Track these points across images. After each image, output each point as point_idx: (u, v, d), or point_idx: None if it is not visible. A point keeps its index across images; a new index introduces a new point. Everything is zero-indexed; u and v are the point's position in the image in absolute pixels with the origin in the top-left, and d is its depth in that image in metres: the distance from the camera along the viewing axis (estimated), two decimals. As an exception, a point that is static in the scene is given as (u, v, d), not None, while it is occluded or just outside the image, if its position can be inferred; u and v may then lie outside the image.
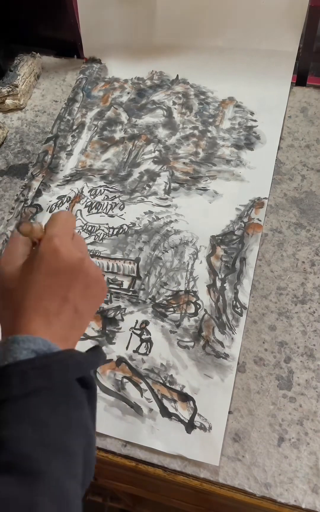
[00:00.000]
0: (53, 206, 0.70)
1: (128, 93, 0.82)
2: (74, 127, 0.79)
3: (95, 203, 0.70)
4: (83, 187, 0.71)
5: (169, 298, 0.61)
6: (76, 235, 0.43)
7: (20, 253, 0.41)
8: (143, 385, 0.55)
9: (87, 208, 0.69)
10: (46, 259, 0.39)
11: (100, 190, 0.71)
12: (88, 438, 0.36)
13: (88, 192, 0.71)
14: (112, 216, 0.68)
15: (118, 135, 0.77)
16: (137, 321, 0.59)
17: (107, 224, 0.67)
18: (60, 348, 0.37)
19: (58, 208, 0.70)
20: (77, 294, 0.39)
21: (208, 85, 0.81)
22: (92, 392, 0.38)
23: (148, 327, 0.59)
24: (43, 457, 0.32)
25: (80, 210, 0.69)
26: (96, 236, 0.66)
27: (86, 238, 0.66)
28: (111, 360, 0.57)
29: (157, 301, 0.61)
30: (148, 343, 0.58)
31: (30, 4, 0.83)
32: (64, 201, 0.70)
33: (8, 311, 0.39)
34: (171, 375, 0.56)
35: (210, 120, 0.77)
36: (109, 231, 0.67)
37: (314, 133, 0.74)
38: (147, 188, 0.70)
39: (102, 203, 0.70)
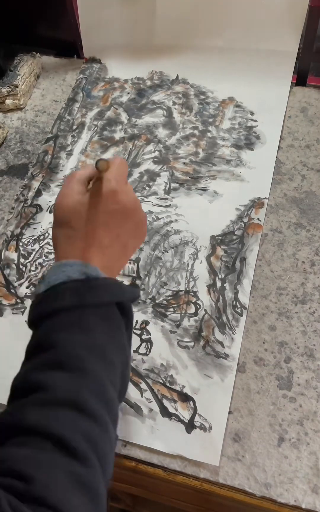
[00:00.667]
0: (53, 206, 0.70)
1: (128, 93, 0.82)
2: (74, 127, 0.79)
3: (95, 203, 0.70)
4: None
5: (169, 298, 0.61)
6: (128, 183, 0.46)
7: (76, 190, 0.44)
8: (143, 385, 0.55)
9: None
10: (105, 198, 0.43)
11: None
12: (125, 357, 0.41)
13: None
14: (112, 216, 0.68)
15: (118, 135, 0.77)
16: (137, 321, 0.59)
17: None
18: (106, 275, 0.42)
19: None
20: (127, 232, 0.45)
21: (208, 85, 0.81)
22: (129, 321, 0.43)
23: (148, 327, 0.59)
24: (89, 359, 0.37)
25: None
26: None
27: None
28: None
29: (157, 301, 0.61)
30: (148, 343, 0.58)
31: (30, 4, 0.83)
32: (64, 201, 0.70)
33: (65, 239, 0.43)
34: (171, 375, 0.56)
35: (210, 120, 0.77)
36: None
37: (314, 133, 0.74)
38: (147, 188, 0.70)
39: (102, 203, 0.69)
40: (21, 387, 0.37)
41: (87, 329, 0.39)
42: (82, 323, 0.39)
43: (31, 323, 0.41)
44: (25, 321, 0.60)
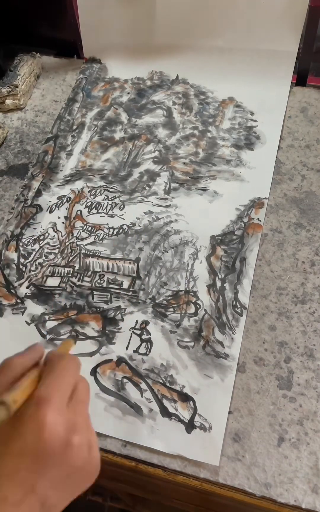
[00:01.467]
0: (53, 206, 0.70)
1: (128, 93, 0.82)
2: (74, 127, 0.79)
3: (95, 203, 0.70)
4: (83, 187, 0.71)
5: (169, 298, 0.61)
6: (78, 389, 0.34)
7: None
8: (143, 385, 0.55)
9: (87, 208, 0.69)
10: (23, 433, 0.31)
11: (100, 190, 0.71)
12: None
13: (88, 192, 0.71)
14: (112, 216, 0.68)
15: (118, 135, 0.77)
16: (137, 321, 0.59)
17: (107, 224, 0.67)
18: None
19: (58, 209, 0.70)
20: (50, 485, 0.31)
21: (208, 85, 0.81)
22: None
23: (148, 327, 0.59)
24: None
25: (80, 210, 0.69)
26: (96, 237, 0.66)
27: (86, 238, 0.66)
28: (111, 360, 0.57)
29: (157, 301, 0.61)
30: (148, 343, 0.58)
31: (30, 4, 0.82)
32: (64, 201, 0.70)
33: None
34: (171, 375, 0.56)
35: (210, 120, 0.77)
36: (109, 231, 0.67)
37: (314, 133, 0.74)
38: (147, 188, 0.70)
39: (102, 203, 0.70)
40: None
41: None
42: None
43: None
44: (26, 321, 0.61)
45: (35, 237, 0.67)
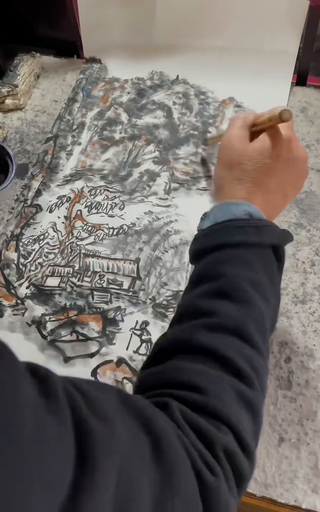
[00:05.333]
0: (53, 206, 0.70)
1: (128, 93, 0.82)
2: (74, 127, 0.79)
3: (95, 203, 0.70)
4: (83, 187, 0.71)
5: (169, 298, 0.61)
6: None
7: (244, 134, 0.47)
8: (143, 386, 0.55)
9: (87, 208, 0.69)
10: (280, 145, 0.45)
11: (100, 190, 0.71)
12: (278, 300, 0.44)
13: (88, 192, 0.71)
14: (112, 216, 0.68)
15: (118, 135, 0.77)
16: (137, 322, 0.59)
17: (107, 224, 0.67)
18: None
19: (58, 208, 0.70)
20: (291, 182, 0.47)
21: (208, 85, 0.81)
22: (282, 264, 0.44)
23: (148, 328, 0.59)
24: (253, 293, 0.40)
25: (80, 210, 0.69)
26: (96, 237, 0.66)
27: (86, 238, 0.66)
28: (111, 361, 0.57)
29: (157, 302, 0.61)
30: (149, 344, 0.58)
31: (30, 4, 0.82)
32: (64, 201, 0.70)
33: (233, 179, 0.46)
34: (171, 375, 0.56)
35: (210, 120, 0.77)
36: (109, 231, 0.67)
37: (314, 133, 0.74)
38: (147, 188, 0.70)
39: (102, 203, 0.70)
40: (188, 312, 0.40)
41: (250, 266, 0.41)
42: (246, 259, 0.41)
43: (195, 254, 0.45)
44: (27, 323, 0.60)
45: (35, 237, 0.67)
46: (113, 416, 0.28)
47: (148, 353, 0.57)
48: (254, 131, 0.48)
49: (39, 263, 0.65)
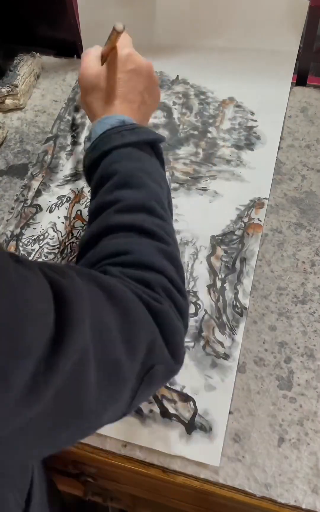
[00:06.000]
0: (53, 206, 0.70)
1: (128, 93, 0.81)
2: (74, 127, 0.79)
3: (95, 203, 0.70)
4: (83, 187, 0.71)
5: (169, 298, 0.61)
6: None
7: (95, 62, 0.53)
8: (143, 386, 0.55)
9: (87, 208, 0.69)
10: (123, 60, 0.51)
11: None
12: (168, 186, 0.50)
13: (88, 192, 0.71)
14: (112, 216, 0.68)
15: (118, 135, 0.77)
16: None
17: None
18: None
19: (58, 208, 0.70)
20: (146, 90, 0.53)
21: (208, 85, 0.81)
22: (163, 162, 0.51)
23: (148, 328, 0.59)
24: (147, 179, 0.46)
25: (80, 210, 0.69)
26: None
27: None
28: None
29: (157, 301, 0.60)
30: (148, 344, 0.58)
31: (30, 4, 0.82)
32: (64, 201, 0.70)
33: (99, 102, 0.52)
34: (171, 375, 0.56)
35: (210, 120, 0.77)
36: (109, 231, 0.67)
37: (314, 133, 0.74)
38: (147, 188, 0.70)
39: (102, 203, 0.69)
40: (97, 208, 0.46)
41: (136, 159, 0.47)
42: (132, 155, 0.47)
43: (89, 167, 0.50)
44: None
45: (35, 237, 0.67)
46: (72, 275, 0.35)
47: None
48: (106, 57, 0.53)
49: (39, 263, 0.65)
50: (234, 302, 0.59)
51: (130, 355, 0.36)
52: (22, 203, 0.71)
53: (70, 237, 0.67)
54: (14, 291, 0.28)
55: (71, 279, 0.34)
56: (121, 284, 0.39)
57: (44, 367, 0.28)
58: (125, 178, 0.46)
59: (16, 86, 0.80)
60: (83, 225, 0.68)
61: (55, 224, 0.68)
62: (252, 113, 0.76)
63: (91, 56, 0.53)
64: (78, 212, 0.69)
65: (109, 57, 0.52)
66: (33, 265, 0.32)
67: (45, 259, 0.65)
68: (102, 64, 0.52)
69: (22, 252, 0.66)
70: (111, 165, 0.47)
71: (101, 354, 0.33)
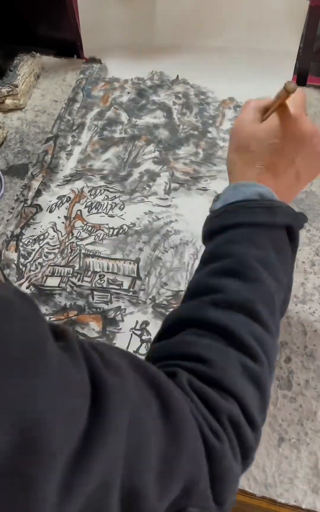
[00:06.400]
0: (53, 206, 0.70)
1: (128, 93, 0.82)
2: (74, 127, 0.79)
3: (95, 203, 0.70)
4: (83, 187, 0.71)
5: (169, 298, 0.61)
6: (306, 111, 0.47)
7: (253, 117, 0.46)
8: (143, 385, 0.55)
9: (87, 208, 0.69)
10: (287, 124, 0.44)
11: (100, 190, 0.71)
12: (291, 281, 0.44)
13: (88, 192, 0.71)
14: (112, 216, 0.68)
15: (118, 135, 0.77)
16: (137, 322, 0.59)
17: (107, 224, 0.67)
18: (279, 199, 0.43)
19: (58, 208, 0.70)
20: (303, 161, 0.44)
21: (208, 85, 0.81)
22: (296, 246, 0.44)
23: (148, 328, 0.59)
24: (262, 271, 0.40)
25: (80, 210, 0.69)
26: (96, 237, 0.66)
27: (86, 238, 0.66)
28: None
29: (157, 302, 0.61)
30: (149, 344, 0.58)
31: (30, 4, 0.82)
32: (64, 201, 0.70)
33: (242, 163, 0.45)
34: (171, 375, 0.56)
35: (210, 121, 0.77)
36: (109, 231, 0.67)
37: (314, 133, 0.74)
38: (147, 188, 0.70)
39: (102, 203, 0.70)
40: (197, 290, 0.41)
41: (260, 245, 0.41)
42: (256, 239, 0.41)
43: (206, 235, 0.45)
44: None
45: (35, 237, 0.67)
46: (125, 372, 0.29)
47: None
48: (268, 116, 0.48)
49: (39, 263, 0.65)
50: (234, 302, 0.59)
51: (160, 491, 0.29)
52: (22, 203, 0.71)
53: (70, 237, 0.67)
54: (53, 380, 0.24)
55: (121, 378, 0.28)
56: (184, 402, 0.32)
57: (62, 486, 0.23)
58: (238, 266, 0.40)
59: (16, 86, 0.80)
60: (83, 225, 0.68)
61: (55, 224, 0.68)
62: (252, 113, 0.76)
63: (251, 109, 0.47)
64: (78, 212, 0.69)
65: (273, 115, 0.45)
66: (75, 345, 0.27)
67: (45, 259, 0.65)
68: (262, 120, 0.46)
69: (22, 252, 0.66)
70: (227, 245, 0.42)
71: (127, 481, 0.27)
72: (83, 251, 0.65)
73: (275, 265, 0.41)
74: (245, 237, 0.41)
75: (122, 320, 0.60)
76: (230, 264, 0.40)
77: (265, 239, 0.41)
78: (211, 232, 0.44)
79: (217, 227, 0.43)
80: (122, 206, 0.69)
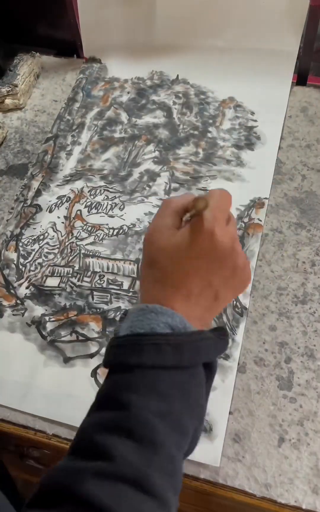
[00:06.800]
0: (53, 206, 0.70)
1: (128, 93, 0.82)
2: (74, 127, 0.79)
3: (95, 203, 0.70)
4: (83, 187, 0.71)
5: (169, 298, 0.61)
6: (231, 217, 0.42)
7: (170, 223, 0.41)
8: (143, 386, 0.55)
9: (87, 208, 0.69)
10: (201, 241, 0.39)
11: (100, 190, 0.71)
12: (200, 420, 0.38)
13: (88, 192, 0.71)
14: (112, 216, 0.68)
15: (118, 135, 0.77)
16: (137, 322, 0.59)
17: (107, 224, 0.67)
18: (194, 327, 0.38)
19: (58, 208, 0.70)
20: (221, 281, 0.40)
21: (208, 85, 0.81)
22: (211, 378, 0.40)
23: (148, 328, 0.59)
24: (161, 428, 0.34)
25: (80, 210, 0.69)
26: (96, 237, 0.66)
27: (86, 238, 0.66)
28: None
29: (157, 302, 0.60)
30: (148, 344, 0.58)
31: (30, 4, 0.82)
32: (64, 201, 0.70)
33: (153, 280, 0.41)
34: (171, 375, 0.55)
35: (210, 121, 0.77)
36: (109, 231, 0.67)
37: (314, 133, 0.74)
38: (147, 188, 0.70)
39: (102, 203, 0.69)
40: (85, 447, 0.35)
41: (164, 394, 0.35)
42: (159, 386, 0.36)
43: (107, 364, 0.39)
44: (26, 323, 0.60)
45: (35, 237, 0.67)
46: None
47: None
48: (188, 219, 0.42)
49: (39, 263, 0.65)
50: (234, 302, 0.59)
51: None
52: (22, 203, 0.71)
53: (70, 237, 0.67)
54: None
55: None
56: None
57: None
58: (132, 423, 0.34)
59: (16, 86, 0.80)
60: (83, 225, 0.68)
61: (55, 224, 0.68)
62: (252, 113, 0.76)
63: (168, 212, 0.41)
64: (78, 212, 0.69)
65: (186, 228, 0.40)
66: None
67: (45, 259, 0.65)
68: (180, 226, 0.41)
69: (22, 252, 0.66)
70: (125, 392, 0.36)
71: None
72: (83, 251, 0.65)
73: (179, 416, 0.36)
74: (146, 384, 0.35)
75: (122, 320, 0.59)
76: (125, 419, 0.34)
77: (170, 385, 0.36)
78: (111, 365, 0.39)
79: (117, 363, 0.37)
80: (122, 207, 0.69)
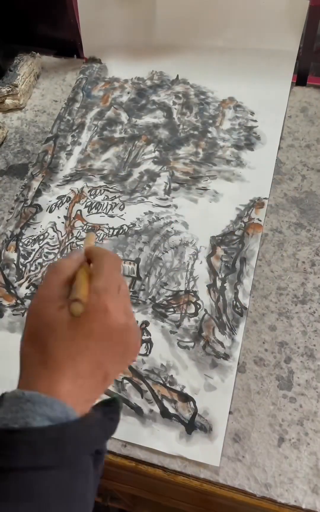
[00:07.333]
0: (53, 206, 0.70)
1: (128, 93, 0.82)
2: (74, 127, 0.79)
3: (95, 203, 0.70)
4: (83, 187, 0.71)
5: (169, 298, 0.61)
6: (121, 282, 0.38)
7: (57, 293, 0.37)
8: (144, 386, 0.55)
9: (87, 208, 0.69)
10: (90, 318, 0.35)
11: (100, 190, 0.71)
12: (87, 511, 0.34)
13: (88, 192, 0.71)
14: (112, 216, 0.68)
15: (118, 135, 0.77)
16: (137, 322, 0.59)
17: (107, 224, 0.67)
18: (78, 411, 0.34)
19: (58, 208, 0.70)
20: (112, 359, 0.36)
21: (208, 85, 0.81)
22: (102, 456, 0.36)
23: (148, 328, 0.59)
24: None
25: (80, 210, 0.69)
26: (96, 237, 0.66)
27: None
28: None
29: (157, 302, 0.61)
30: (148, 344, 0.58)
31: (30, 4, 0.82)
32: (64, 201, 0.70)
33: (35, 361, 0.35)
34: (171, 375, 0.56)
35: (210, 121, 0.77)
36: (109, 231, 0.67)
37: (314, 133, 0.74)
38: (147, 188, 0.70)
39: (102, 203, 0.70)
40: None
41: (40, 496, 0.31)
42: (37, 489, 0.31)
43: None
44: (25, 321, 0.60)
45: (35, 237, 0.67)
46: None
47: (147, 353, 0.57)
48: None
49: (39, 263, 0.65)
50: (234, 302, 0.59)
51: None
52: (22, 203, 0.71)
53: (70, 237, 0.67)
54: None
55: None
56: None
57: None
58: None
59: (16, 86, 0.80)
60: (83, 225, 0.68)
61: (55, 224, 0.68)
62: (252, 113, 0.77)
63: (55, 283, 0.37)
64: (78, 212, 0.69)
65: (72, 292, 0.36)
66: None
67: (45, 259, 0.65)
68: (68, 295, 0.36)
69: (22, 252, 0.66)
70: None
71: None
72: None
73: None
74: (18, 489, 0.30)
75: (122, 320, 0.59)
76: None
77: (48, 486, 0.31)
78: None
79: None
80: (122, 206, 0.69)
